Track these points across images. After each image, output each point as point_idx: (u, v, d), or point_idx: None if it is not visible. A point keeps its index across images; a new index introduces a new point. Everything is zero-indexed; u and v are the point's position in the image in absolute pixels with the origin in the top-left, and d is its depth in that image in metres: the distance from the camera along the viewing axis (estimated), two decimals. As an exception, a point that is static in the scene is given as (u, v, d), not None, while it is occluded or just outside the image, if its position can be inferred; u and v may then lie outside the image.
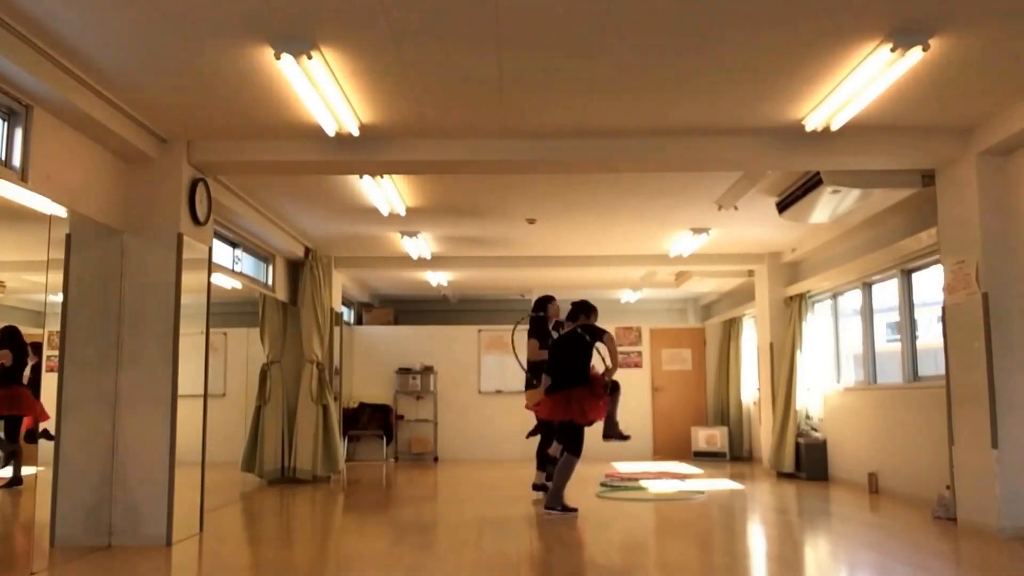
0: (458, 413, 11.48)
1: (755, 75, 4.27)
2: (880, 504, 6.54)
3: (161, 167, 5.16)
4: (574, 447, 6.09)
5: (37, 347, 6.46)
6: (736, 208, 6.95)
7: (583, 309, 6.43)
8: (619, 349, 11.60)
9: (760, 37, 3.83)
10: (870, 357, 7.69)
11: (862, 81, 4.19)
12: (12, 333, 6.61)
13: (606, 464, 9.96)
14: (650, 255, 9.24)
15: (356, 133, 4.92)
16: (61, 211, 4.60)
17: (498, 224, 7.79)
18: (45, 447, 5.12)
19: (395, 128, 5.03)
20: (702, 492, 7.37)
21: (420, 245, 8.43)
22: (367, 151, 5.24)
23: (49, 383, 5.26)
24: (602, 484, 7.88)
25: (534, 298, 7.27)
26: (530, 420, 7.22)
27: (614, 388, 6.45)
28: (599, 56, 4.02)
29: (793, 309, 8.86)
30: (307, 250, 8.56)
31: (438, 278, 10.74)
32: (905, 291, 6.97)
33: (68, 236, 4.93)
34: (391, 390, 11.48)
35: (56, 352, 5.08)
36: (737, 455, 11.13)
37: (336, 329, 9.15)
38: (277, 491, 7.74)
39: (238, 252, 7.20)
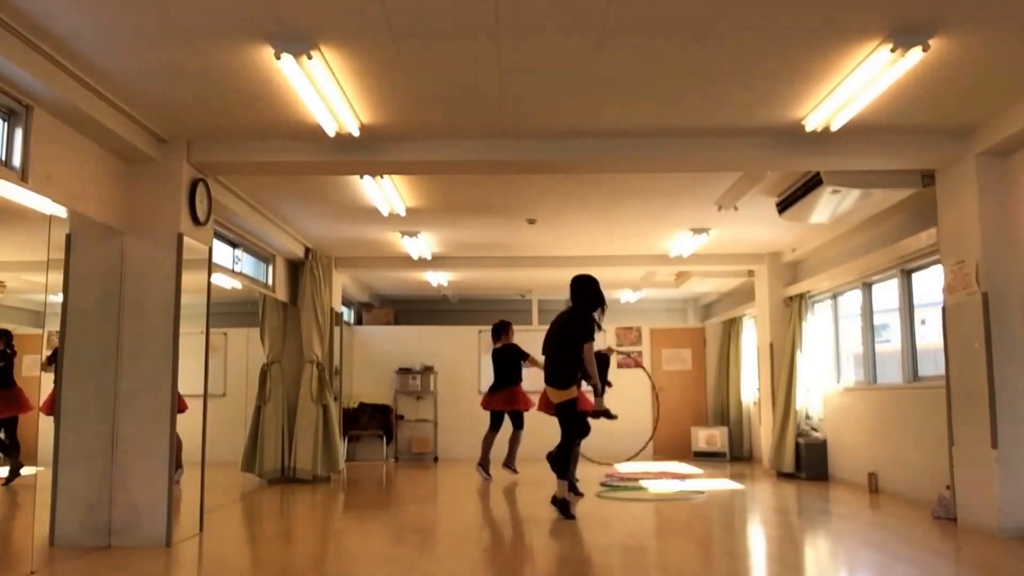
0: (458, 413, 11.46)
1: (755, 75, 4.27)
2: (880, 504, 6.54)
3: (161, 167, 5.16)
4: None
5: (8, 336, 6.42)
6: (736, 208, 6.96)
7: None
8: (619, 348, 11.73)
9: (760, 37, 3.83)
10: (870, 357, 7.69)
11: (862, 81, 4.19)
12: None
13: (606, 464, 9.96)
14: (650, 255, 9.24)
15: (356, 133, 4.92)
16: (61, 211, 4.61)
17: (498, 224, 7.79)
18: (45, 448, 5.11)
19: (395, 128, 5.03)
20: (702, 492, 7.37)
21: (420, 245, 8.44)
22: (367, 151, 5.24)
23: (49, 383, 5.26)
24: (602, 484, 7.88)
25: (534, 297, 7.30)
26: (537, 421, 7.31)
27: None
28: (599, 57, 4.02)
29: (793, 309, 8.86)
30: (307, 250, 8.56)
31: (438, 278, 10.74)
32: (905, 291, 6.97)
33: (68, 236, 4.93)
34: (391, 390, 11.48)
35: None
36: (737, 455, 11.13)
37: (336, 329, 9.15)
38: (277, 491, 7.74)
39: (238, 252, 7.20)
